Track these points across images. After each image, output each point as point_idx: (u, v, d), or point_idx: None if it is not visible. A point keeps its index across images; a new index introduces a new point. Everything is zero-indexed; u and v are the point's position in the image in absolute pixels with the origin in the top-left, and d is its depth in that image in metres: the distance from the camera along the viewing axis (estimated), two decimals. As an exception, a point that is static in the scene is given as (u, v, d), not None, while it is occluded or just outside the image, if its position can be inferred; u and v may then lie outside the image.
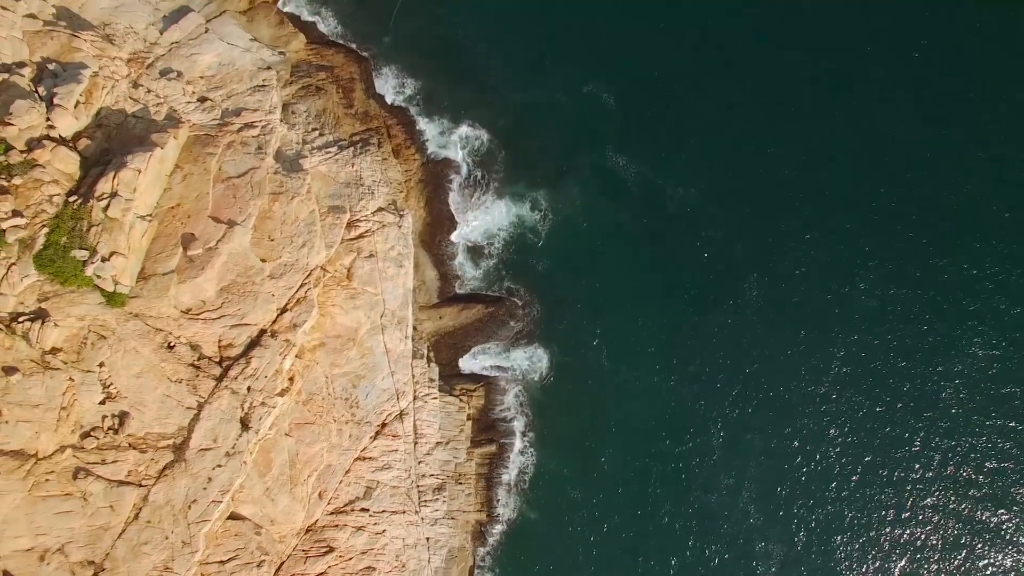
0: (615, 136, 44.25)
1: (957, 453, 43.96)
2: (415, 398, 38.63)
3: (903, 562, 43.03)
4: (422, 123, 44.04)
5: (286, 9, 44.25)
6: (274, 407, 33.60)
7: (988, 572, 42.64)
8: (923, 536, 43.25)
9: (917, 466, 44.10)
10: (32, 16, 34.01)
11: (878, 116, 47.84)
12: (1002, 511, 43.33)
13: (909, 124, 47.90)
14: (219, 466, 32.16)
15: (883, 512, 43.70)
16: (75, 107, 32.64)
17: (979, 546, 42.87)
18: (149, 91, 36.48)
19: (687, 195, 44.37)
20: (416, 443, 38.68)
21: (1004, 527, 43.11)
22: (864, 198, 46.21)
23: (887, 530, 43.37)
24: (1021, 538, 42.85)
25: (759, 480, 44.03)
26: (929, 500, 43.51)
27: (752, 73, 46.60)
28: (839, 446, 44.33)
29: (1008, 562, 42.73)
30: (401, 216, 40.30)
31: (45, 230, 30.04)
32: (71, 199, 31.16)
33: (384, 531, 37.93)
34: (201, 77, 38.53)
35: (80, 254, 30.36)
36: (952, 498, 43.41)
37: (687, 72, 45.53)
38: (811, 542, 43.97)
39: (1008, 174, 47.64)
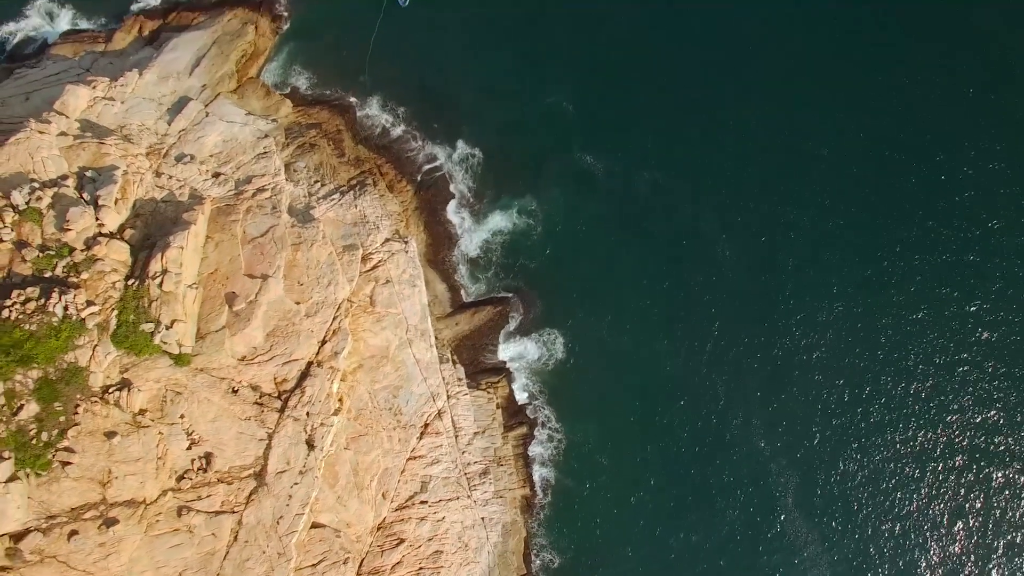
0: (579, 138, 49.54)
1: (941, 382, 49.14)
2: (448, 397, 43.92)
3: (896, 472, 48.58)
4: (411, 154, 49.18)
5: (269, 80, 49.45)
6: (331, 426, 38.87)
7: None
8: (919, 456, 48.47)
9: (899, 392, 49.33)
10: (64, 133, 39.30)
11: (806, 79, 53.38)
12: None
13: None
14: (296, 484, 37.42)
15: (875, 432, 48.90)
16: (115, 204, 37.87)
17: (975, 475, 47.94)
18: (170, 177, 41.72)
19: (651, 177, 49.63)
20: (457, 436, 43.97)
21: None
22: (807, 154, 51.57)
23: (880, 443, 48.69)
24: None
25: (765, 416, 48.98)
26: (922, 434, 48.64)
27: (682, 68, 51.99)
28: (825, 378, 49.30)
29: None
30: (406, 242, 45.52)
31: (115, 312, 35.24)
32: (130, 282, 36.39)
33: (444, 518, 43.17)
34: (211, 156, 43.78)
35: (147, 327, 35.61)
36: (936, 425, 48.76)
37: (628, 74, 50.82)
38: (818, 463, 48.97)
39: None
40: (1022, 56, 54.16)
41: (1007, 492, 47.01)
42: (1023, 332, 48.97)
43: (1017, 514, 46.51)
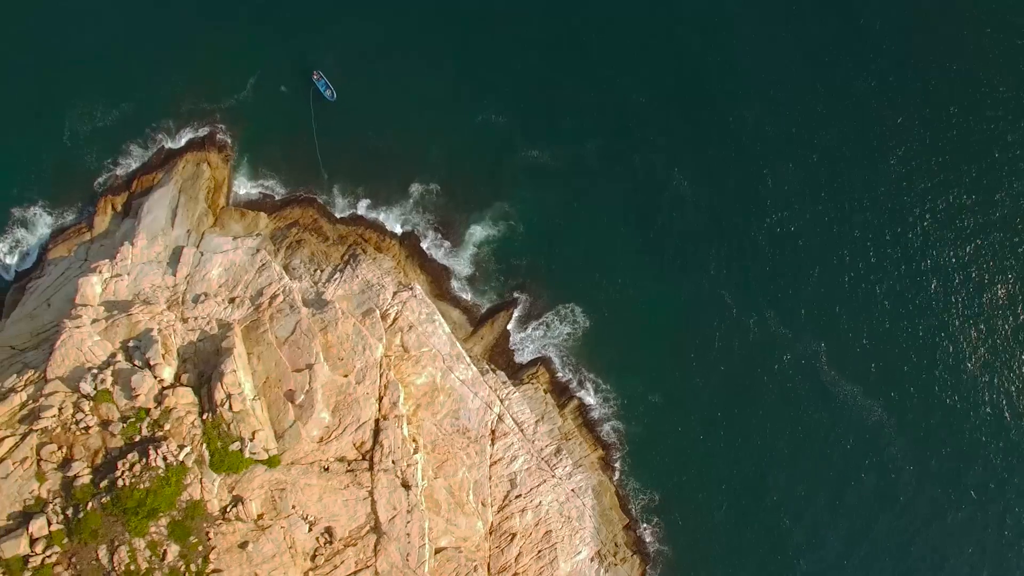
0: (519, 139, 54.40)
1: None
2: (501, 401, 48.86)
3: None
4: (382, 216, 54.03)
5: (239, 202, 54.06)
6: (417, 464, 43.82)
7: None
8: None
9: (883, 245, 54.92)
10: (96, 320, 44.22)
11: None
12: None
13: None
14: (408, 522, 42.35)
15: (879, 285, 54.50)
16: (163, 359, 42.79)
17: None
18: (196, 318, 46.58)
19: (594, 145, 54.67)
20: (522, 430, 48.88)
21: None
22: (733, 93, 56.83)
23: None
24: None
25: (776, 307, 54.00)
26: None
27: (586, 44, 57.00)
28: (815, 255, 54.87)
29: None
30: (411, 288, 50.36)
31: (205, 445, 40.21)
32: (204, 416, 41.31)
33: (540, 502, 48.08)
34: (220, 286, 48.61)
35: (235, 446, 40.54)
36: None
37: (536, 69, 55.63)
38: (838, 327, 54.00)
39: None
40: None
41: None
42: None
43: None
